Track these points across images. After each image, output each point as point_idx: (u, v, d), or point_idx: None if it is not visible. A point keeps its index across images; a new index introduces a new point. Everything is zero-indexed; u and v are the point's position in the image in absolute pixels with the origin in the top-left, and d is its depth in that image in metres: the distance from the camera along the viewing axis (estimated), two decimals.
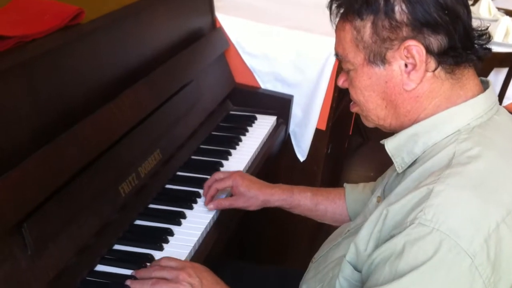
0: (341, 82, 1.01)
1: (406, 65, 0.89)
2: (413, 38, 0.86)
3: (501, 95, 2.24)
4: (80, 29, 1.24)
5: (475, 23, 0.92)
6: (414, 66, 0.88)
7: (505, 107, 2.05)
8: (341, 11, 0.93)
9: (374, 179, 1.32)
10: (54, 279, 1.00)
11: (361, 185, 1.35)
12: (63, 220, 1.04)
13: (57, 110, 1.13)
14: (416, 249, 0.78)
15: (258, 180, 1.37)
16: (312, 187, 1.39)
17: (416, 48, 0.86)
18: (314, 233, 2.02)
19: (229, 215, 1.37)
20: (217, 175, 1.37)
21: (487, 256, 0.78)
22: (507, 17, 2.48)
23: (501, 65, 2.21)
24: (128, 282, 1.05)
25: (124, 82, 1.33)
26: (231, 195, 1.37)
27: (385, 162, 1.17)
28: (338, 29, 0.95)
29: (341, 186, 1.39)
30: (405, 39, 0.87)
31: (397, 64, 0.89)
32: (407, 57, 0.88)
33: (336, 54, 0.97)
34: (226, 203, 1.33)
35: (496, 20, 2.47)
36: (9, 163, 0.96)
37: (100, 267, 1.11)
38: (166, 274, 1.03)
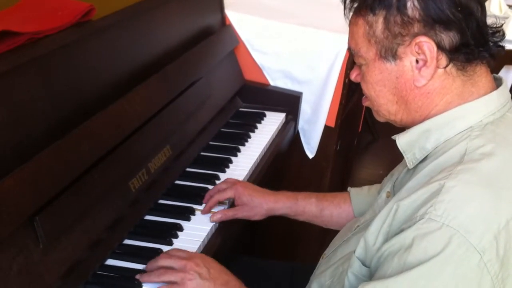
0: (353, 76, 1.01)
1: (417, 61, 0.89)
2: (425, 34, 0.86)
3: None
4: (92, 25, 1.25)
5: (489, 20, 0.92)
6: (425, 62, 0.88)
7: None
8: (355, 5, 0.93)
9: (383, 176, 1.31)
10: (65, 272, 1.01)
11: (366, 188, 1.34)
12: (74, 214, 1.05)
13: (70, 105, 1.14)
14: (425, 243, 0.79)
15: (261, 189, 1.35)
16: (316, 192, 1.37)
17: (427, 44, 0.86)
18: (324, 229, 2.02)
19: None
20: (219, 186, 1.35)
21: (496, 253, 0.78)
22: None
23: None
24: (137, 276, 1.06)
25: (135, 78, 1.34)
26: (231, 205, 1.35)
27: (395, 159, 1.17)
28: (351, 24, 0.95)
29: (351, 184, 1.38)
30: (416, 35, 0.87)
31: (408, 60, 0.89)
32: (418, 53, 0.88)
33: (349, 49, 0.97)
34: (230, 213, 1.30)
35: (507, 17, 2.46)
36: (23, 156, 0.97)
37: (111, 261, 1.12)
38: (174, 263, 1.04)
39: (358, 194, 1.33)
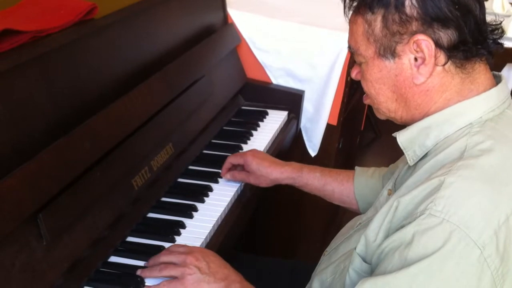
0: (354, 74, 1.02)
1: (415, 59, 0.89)
2: (423, 32, 0.87)
3: None
4: (95, 24, 1.26)
5: (489, 18, 0.92)
6: (423, 60, 0.88)
7: None
8: (354, 4, 0.94)
9: None
10: (68, 269, 1.01)
11: (372, 169, 1.36)
12: (77, 212, 1.05)
13: (72, 104, 1.14)
14: (425, 239, 0.79)
15: (270, 158, 1.40)
16: (324, 167, 1.40)
17: (425, 42, 0.87)
18: (325, 228, 2.03)
19: (241, 209, 1.38)
20: (236, 153, 1.44)
21: (496, 248, 0.78)
22: None
23: None
24: (138, 272, 1.07)
25: (137, 76, 1.35)
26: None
27: (397, 157, 1.17)
28: (350, 22, 0.96)
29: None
30: (414, 33, 0.87)
31: (406, 58, 0.90)
32: (417, 51, 0.88)
33: (349, 47, 0.98)
34: (239, 176, 1.40)
35: (509, 16, 2.46)
36: (25, 155, 0.98)
37: (113, 258, 1.13)
38: (174, 259, 1.05)
39: (361, 175, 1.35)
